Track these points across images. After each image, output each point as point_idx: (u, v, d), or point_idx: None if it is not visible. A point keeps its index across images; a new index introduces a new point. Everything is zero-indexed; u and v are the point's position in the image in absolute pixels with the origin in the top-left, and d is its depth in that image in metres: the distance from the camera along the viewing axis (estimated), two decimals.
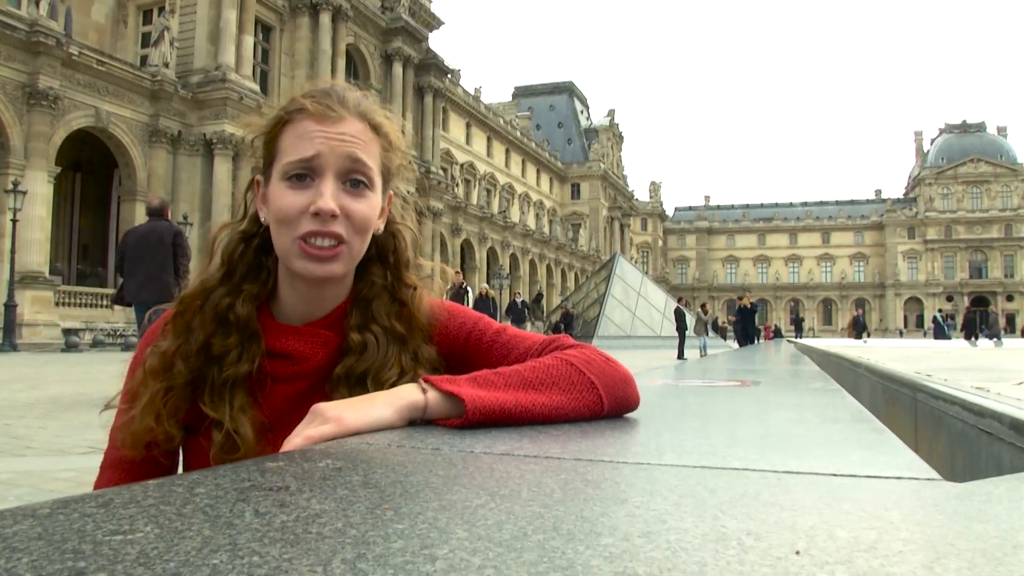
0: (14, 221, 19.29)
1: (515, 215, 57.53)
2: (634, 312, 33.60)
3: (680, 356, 19.51)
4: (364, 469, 0.65)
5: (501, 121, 59.14)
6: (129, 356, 1.10)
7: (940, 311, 53.79)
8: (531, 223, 60.88)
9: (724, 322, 39.32)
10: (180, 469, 1.05)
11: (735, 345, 22.38)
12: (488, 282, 43.24)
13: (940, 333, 36.20)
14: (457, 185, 48.65)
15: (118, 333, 23.07)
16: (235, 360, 1.00)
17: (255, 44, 30.29)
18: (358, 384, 1.00)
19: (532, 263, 58.74)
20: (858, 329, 36.26)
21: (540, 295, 46.53)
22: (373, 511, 0.49)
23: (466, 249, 48.47)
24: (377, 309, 1.05)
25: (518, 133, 62.51)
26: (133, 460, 1.02)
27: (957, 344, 23.04)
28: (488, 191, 55.51)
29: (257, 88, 28.87)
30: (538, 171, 66.98)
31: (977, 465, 2.17)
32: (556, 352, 1.01)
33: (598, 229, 73.80)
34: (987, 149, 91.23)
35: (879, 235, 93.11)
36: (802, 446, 0.94)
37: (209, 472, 0.61)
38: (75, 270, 27.33)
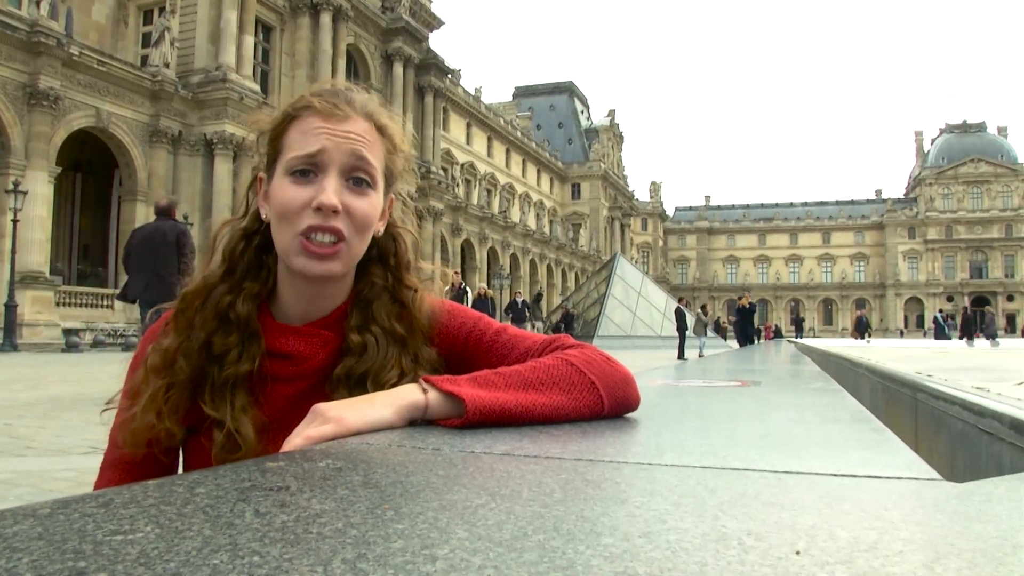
0: (15, 221, 19.29)
1: (515, 215, 57.53)
2: (634, 312, 33.60)
3: (680, 356, 19.51)
4: (364, 469, 0.65)
5: (501, 121, 59.14)
6: (129, 356, 1.10)
7: (941, 311, 53.77)
8: (531, 223, 60.89)
9: (725, 322, 39.31)
10: (180, 470, 1.05)
11: (735, 345, 22.37)
12: (488, 282, 43.24)
13: (941, 333, 36.20)
14: (457, 185, 48.65)
15: (118, 333, 23.08)
16: (235, 359, 1.00)
17: (255, 44, 30.29)
18: (358, 385, 1.00)
19: (532, 263, 58.73)
20: (861, 329, 36.24)
21: (540, 295, 46.56)
22: (373, 511, 0.49)
23: (466, 249, 48.47)
24: (377, 310, 1.06)
25: (518, 133, 62.51)
26: (133, 460, 1.02)
27: (956, 344, 23.04)
28: (488, 191, 55.51)
29: (257, 88, 28.88)
30: (538, 171, 66.98)
31: (977, 465, 2.17)
32: (556, 352, 1.01)
33: (598, 229, 73.79)
34: (987, 149, 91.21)
35: (879, 235, 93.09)
36: (802, 446, 0.94)
37: (209, 472, 0.61)
38: (75, 270, 27.33)
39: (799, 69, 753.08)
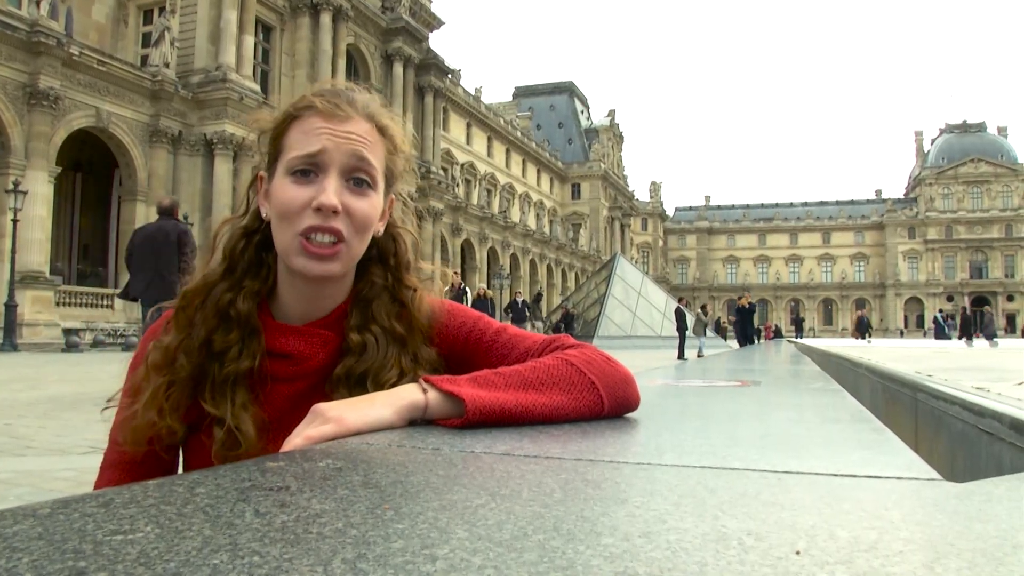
0: (15, 221, 19.29)
1: (515, 215, 57.53)
2: (634, 312, 33.60)
3: (680, 356, 19.51)
4: (364, 469, 0.65)
5: (501, 121, 59.14)
6: (130, 356, 1.10)
7: (941, 311, 53.79)
8: (531, 223, 60.89)
9: (725, 322, 39.31)
10: (180, 469, 1.05)
11: (735, 345, 22.37)
12: (488, 282, 43.25)
13: (941, 333, 36.22)
14: (457, 185, 48.65)
15: (118, 333, 23.08)
16: (236, 356, 1.00)
17: (255, 44, 30.30)
18: (358, 384, 1.00)
19: (532, 263, 58.73)
20: (862, 329, 36.21)
21: (540, 295, 46.54)
22: (373, 511, 0.49)
23: (466, 249, 48.47)
24: (377, 309, 1.06)
25: (518, 133, 62.51)
26: (134, 459, 1.02)
27: (955, 344, 23.05)
28: (488, 191, 55.52)
29: (258, 88, 28.88)
30: (538, 171, 66.98)
31: (977, 465, 2.17)
32: (556, 352, 1.02)
33: (598, 229, 73.80)
34: (987, 149, 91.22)
35: (879, 235, 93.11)
36: (802, 446, 0.94)
37: (209, 472, 0.61)
38: (75, 270, 27.33)
39: (799, 69, 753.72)
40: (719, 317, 47.72)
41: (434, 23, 42.88)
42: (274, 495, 0.53)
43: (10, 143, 21.76)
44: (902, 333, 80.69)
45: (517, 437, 0.81)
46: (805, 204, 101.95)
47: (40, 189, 21.95)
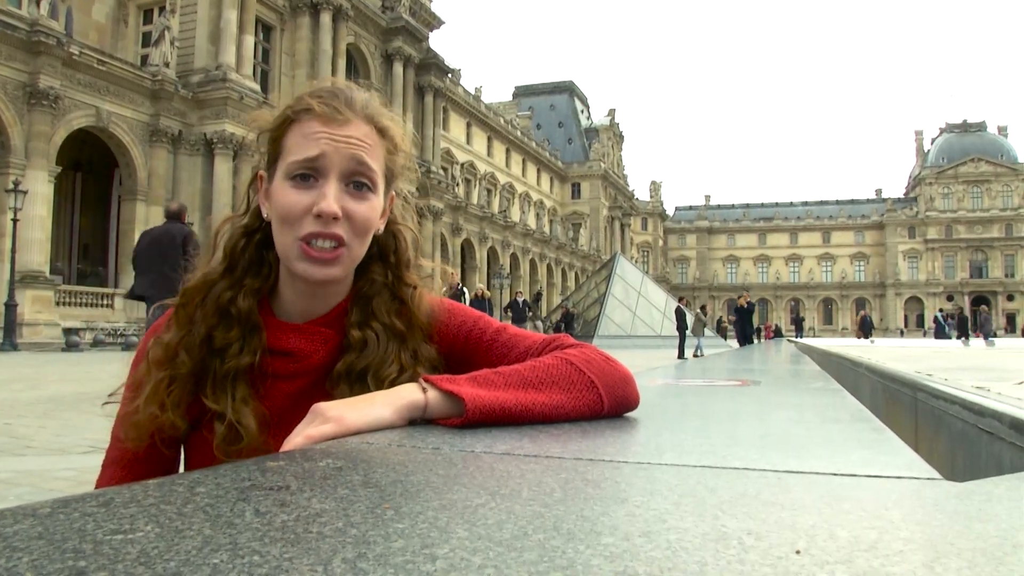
0: (15, 221, 19.29)
1: (515, 215, 57.52)
2: (634, 312, 33.60)
3: (680, 356, 19.52)
4: (364, 468, 0.65)
5: (501, 121, 59.13)
6: (130, 355, 1.10)
7: (941, 311, 53.78)
8: (531, 223, 60.87)
9: (726, 322, 39.30)
10: (181, 467, 1.06)
11: (735, 345, 22.38)
12: (488, 282, 43.26)
13: (941, 333, 36.21)
14: (457, 185, 48.64)
15: (118, 332, 23.08)
16: (237, 352, 1.00)
17: (255, 44, 30.29)
18: (358, 381, 1.01)
19: (532, 263, 58.73)
20: (866, 329, 36.11)
21: (539, 294, 46.53)
22: (373, 510, 0.49)
23: (466, 249, 48.47)
24: (377, 306, 1.06)
25: (518, 133, 62.50)
26: (136, 456, 1.02)
27: (954, 344, 23.05)
28: (488, 191, 55.51)
29: (258, 88, 28.88)
30: (538, 171, 66.97)
31: (977, 464, 2.17)
32: (556, 351, 1.02)
33: (598, 229, 73.79)
34: (988, 149, 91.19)
35: (879, 235, 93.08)
36: (802, 446, 0.94)
37: (209, 471, 0.61)
38: (75, 269, 27.33)
39: (799, 69, 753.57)
40: (720, 317, 47.72)
41: (434, 23, 42.87)
42: (274, 494, 0.53)
43: (10, 143, 21.76)
44: (902, 333, 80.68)
45: (517, 436, 0.81)
46: (805, 204, 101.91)
47: (40, 189, 21.95)
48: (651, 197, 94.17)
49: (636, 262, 65.44)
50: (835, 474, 0.66)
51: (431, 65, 41.14)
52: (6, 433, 5.06)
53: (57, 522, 0.45)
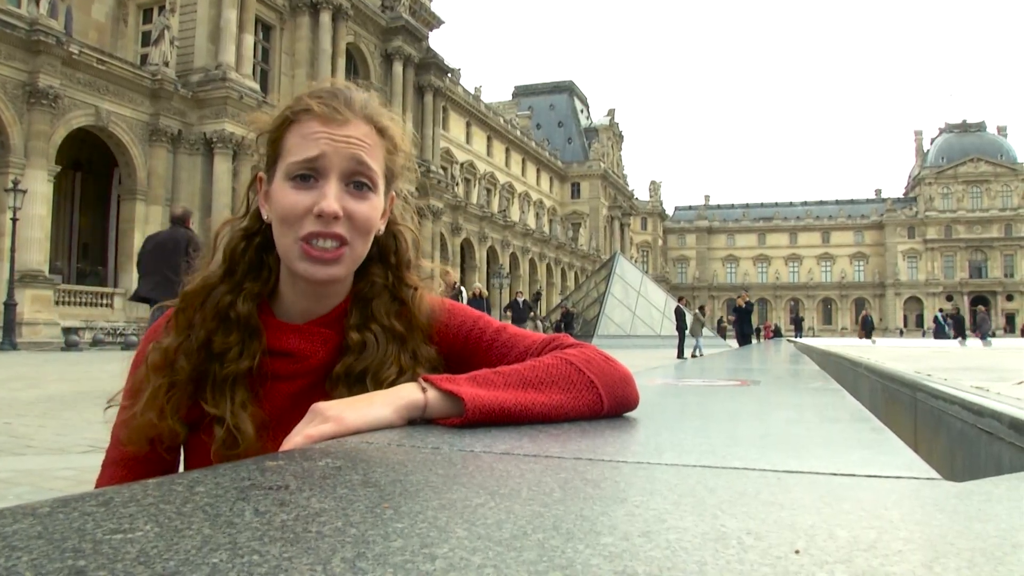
0: (14, 220, 19.29)
1: (515, 214, 57.51)
2: (634, 311, 33.61)
3: (680, 355, 19.52)
4: (364, 468, 0.65)
5: (501, 120, 59.12)
6: (129, 355, 1.10)
7: (941, 311, 53.74)
8: (531, 222, 60.86)
9: (726, 322, 39.31)
10: (181, 467, 1.06)
11: (735, 345, 22.39)
12: (488, 281, 43.25)
13: (940, 333, 36.17)
14: (457, 184, 48.63)
15: (118, 332, 23.07)
16: (236, 357, 1.00)
17: (255, 43, 30.27)
18: (358, 382, 1.01)
19: (532, 262, 58.72)
20: (867, 329, 36.03)
21: (538, 294, 46.51)
22: (373, 510, 0.49)
23: (466, 248, 48.47)
24: (377, 308, 1.06)
25: (518, 132, 62.48)
26: (135, 457, 1.02)
27: (953, 344, 23.05)
28: (488, 190, 55.50)
29: (257, 87, 28.86)
30: (538, 170, 66.97)
31: (977, 465, 2.17)
32: (556, 351, 1.02)
33: (598, 228, 73.78)
34: (987, 149, 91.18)
35: (879, 235, 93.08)
36: (802, 446, 0.94)
37: (209, 471, 0.61)
38: (75, 269, 27.32)
39: (799, 69, 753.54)
40: (720, 317, 47.72)
41: (434, 22, 42.86)
42: (273, 494, 0.53)
43: (9, 142, 21.75)
44: (902, 333, 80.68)
45: (516, 436, 0.81)
46: (805, 203, 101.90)
47: (39, 188, 21.94)
48: (651, 197, 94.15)
49: (636, 262, 65.43)
50: (834, 474, 0.66)
51: (431, 65, 41.13)
52: (6, 432, 5.06)
53: (56, 521, 0.45)
